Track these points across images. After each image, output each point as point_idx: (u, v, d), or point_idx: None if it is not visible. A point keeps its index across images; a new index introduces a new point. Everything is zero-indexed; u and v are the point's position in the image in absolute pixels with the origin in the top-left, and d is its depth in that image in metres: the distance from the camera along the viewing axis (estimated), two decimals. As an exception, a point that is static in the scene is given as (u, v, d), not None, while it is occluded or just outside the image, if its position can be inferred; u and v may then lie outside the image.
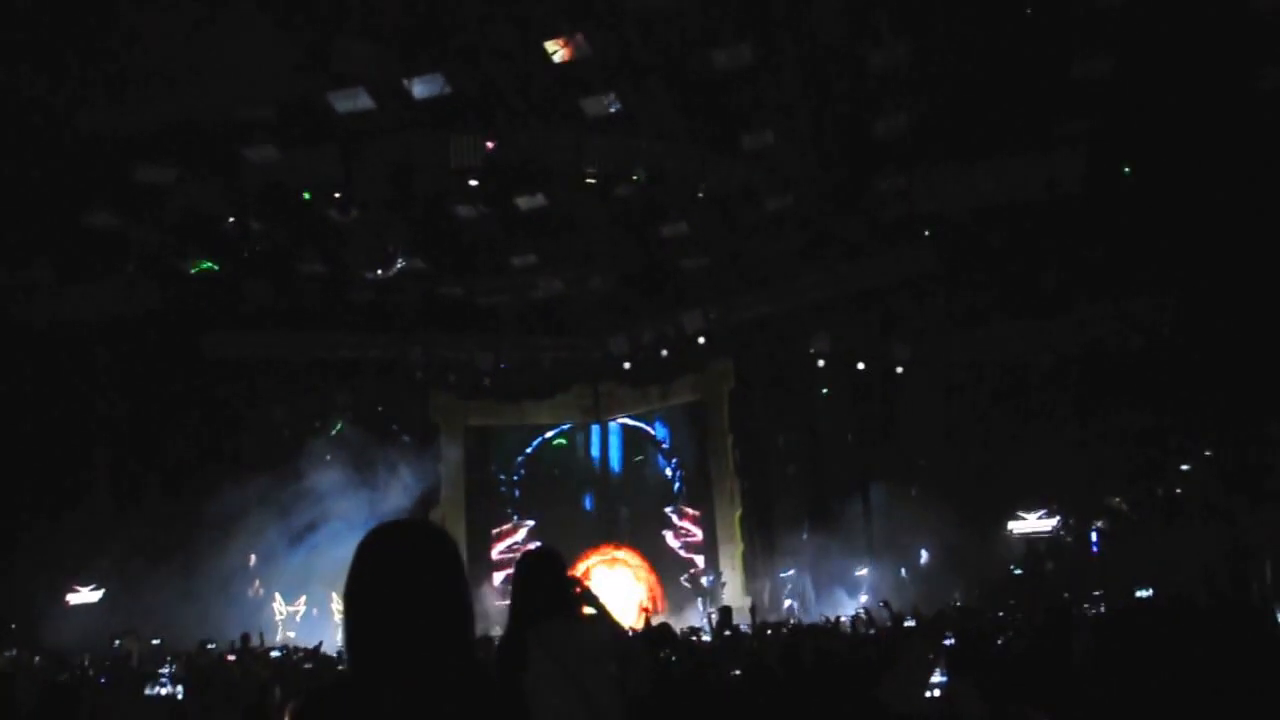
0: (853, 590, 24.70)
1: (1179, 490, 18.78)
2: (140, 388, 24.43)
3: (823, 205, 22.68)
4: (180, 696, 9.70)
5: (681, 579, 28.74)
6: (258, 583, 25.05)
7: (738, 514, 27.77)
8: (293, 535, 23.76)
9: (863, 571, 24.77)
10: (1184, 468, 18.54)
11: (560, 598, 5.66)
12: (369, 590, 2.75)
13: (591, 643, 5.57)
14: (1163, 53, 17.00)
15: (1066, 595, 19.52)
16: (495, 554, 28.89)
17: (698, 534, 29.35)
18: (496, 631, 14.49)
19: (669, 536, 29.66)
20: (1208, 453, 18.11)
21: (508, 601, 5.90)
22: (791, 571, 25.94)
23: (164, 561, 22.54)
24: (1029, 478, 22.91)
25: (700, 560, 29.05)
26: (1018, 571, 22.69)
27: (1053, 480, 22.58)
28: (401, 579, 2.74)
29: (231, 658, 17.14)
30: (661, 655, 10.83)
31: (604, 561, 28.45)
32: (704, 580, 28.08)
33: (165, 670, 11.33)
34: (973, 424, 24.68)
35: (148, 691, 9.24)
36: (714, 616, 20.04)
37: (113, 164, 19.35)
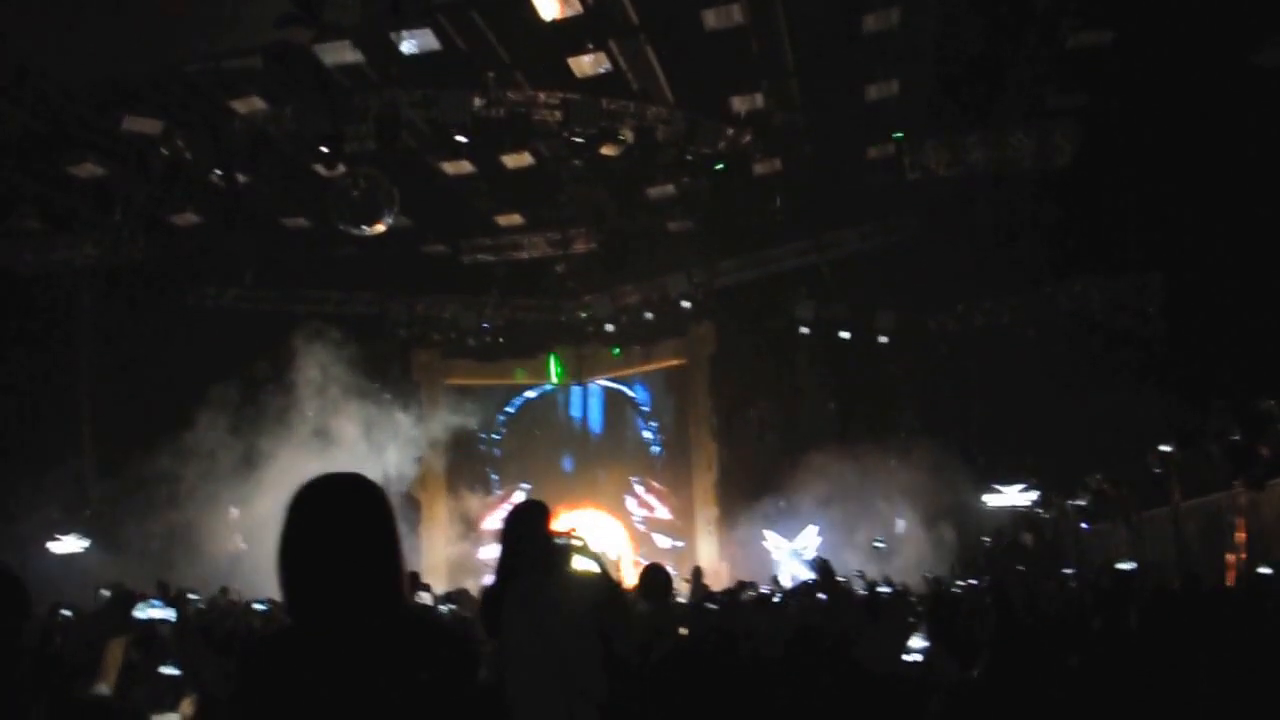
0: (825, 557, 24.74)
1: (1158, 470, 18.75)
2: (125, 337, 24.31)
3: (810, 170, 22.63)
4: (173, 619, 9.63)
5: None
6: (239, 536, 24.94)
7: (714, 479, 27.83)
8: (274, 489, 23.62)
9: (836, 539, 24.77)
10: (1165, 448, 18.46)
11: (542, 552, 5.61)
12: (297, 543, 2.82)
13: (568, 598, 5.52)
14: (1159, 26, 16.92)
15: (1022, 569, 19.62)
16: (487, 523, 28.68)
17: (661, 510, 29.50)
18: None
19: (631, 503, 29.78)
20: (1191, 432, 18.07)
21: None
22: (765, 538, 25.95)
23: (148, 513, 22.52)
24: (1010, 451, 22.94)
25: (658, 540, 29.15)
26: (997, 545, 22.71)
27: (1034, 454, 22.59)
28: (327, 531, 2.82)
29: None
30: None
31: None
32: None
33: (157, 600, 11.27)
34: (955, 395, 24.72)
35: (138, 615, 9.15)
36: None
37: (99, 114, 19.24)
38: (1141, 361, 20.66)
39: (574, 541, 5.82)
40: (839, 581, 17.10)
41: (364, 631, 2.73)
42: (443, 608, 14.45)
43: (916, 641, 8.60)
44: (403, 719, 2.73)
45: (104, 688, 8.36)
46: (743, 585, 18.11)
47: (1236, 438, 16.10)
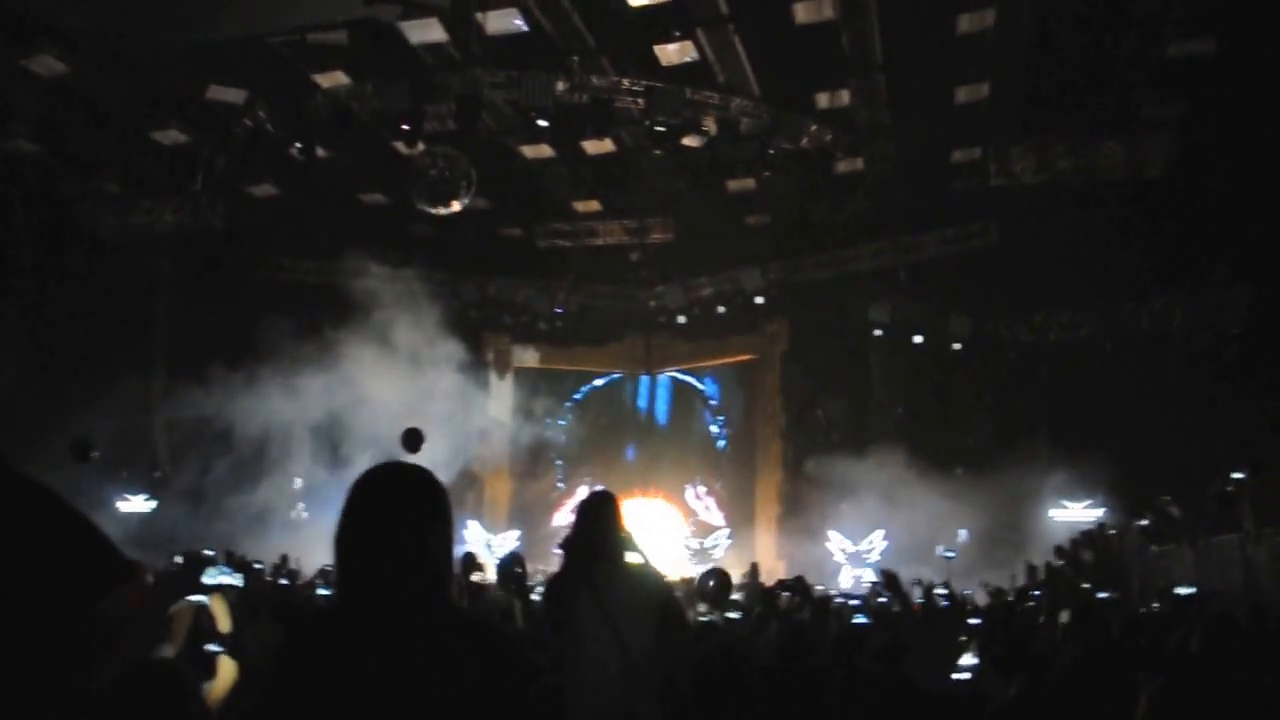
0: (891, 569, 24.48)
1: (1230, 491, 18.31)
2: (200, 303, 24.54)
3: (892, 171, 22.38)
4: (241, 585, 9.64)
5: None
6: (300, 505, 25.14)
7: (780, 476, 27.67)
8: (338, 463, 23.73)
9: (899, 544, 24.54)
10: (1237, 475, 18.04)
11: (612, 543, 5.66)
12: (348, 529, 2.87)
13: (635, 591, 5.57)
14: (1262, 34, 16.50)
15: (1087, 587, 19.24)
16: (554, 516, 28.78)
17: (715, 514, 29.40)
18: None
19: (689, 496, 29.68)
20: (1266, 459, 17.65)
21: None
22: (830, 539, 25.76)
23: (218, 478, 22.79)
24: (1078, 466, 22.58)
25: (704, 542, 29.06)
26: (1058, 562, 22.36)
27: (1103, 471, 22.23)
28: (380, 519, 2.86)
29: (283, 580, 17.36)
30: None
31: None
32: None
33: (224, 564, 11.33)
34: (1026, 406, 24.38)
35: (207, 580, 9.16)
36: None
37: (185, 81, 19.40)
38: (1220, 382, 20.25)
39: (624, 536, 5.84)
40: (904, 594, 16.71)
41: (404, 623, 2.76)
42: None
43: (968, 659, 8.43)
44: (425, 711, 2.71)
45: (169, 650, 8.42)
46: (783, 585, 16.38)
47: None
